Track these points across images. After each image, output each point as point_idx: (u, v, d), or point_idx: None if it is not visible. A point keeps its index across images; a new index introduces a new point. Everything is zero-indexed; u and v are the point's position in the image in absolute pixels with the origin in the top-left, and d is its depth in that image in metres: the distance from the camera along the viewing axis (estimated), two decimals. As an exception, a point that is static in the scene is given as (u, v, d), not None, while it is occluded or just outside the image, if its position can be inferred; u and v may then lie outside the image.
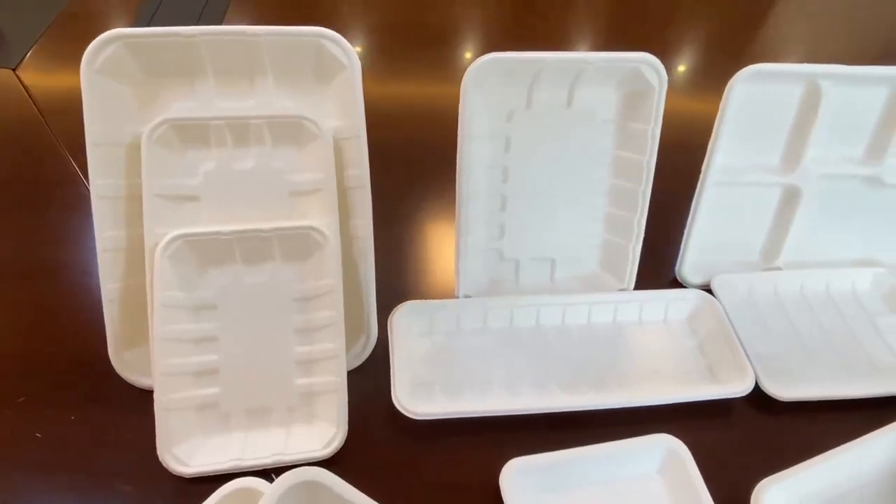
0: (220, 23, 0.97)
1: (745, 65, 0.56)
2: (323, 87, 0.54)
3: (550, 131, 0.56)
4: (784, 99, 0.58)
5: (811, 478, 0.48)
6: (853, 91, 0.58)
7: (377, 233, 0.57)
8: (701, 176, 0.59)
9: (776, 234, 0.65)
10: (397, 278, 0.63)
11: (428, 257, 0.65)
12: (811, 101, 0.57)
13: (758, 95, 0.56)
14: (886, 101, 0.58)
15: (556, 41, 1.04)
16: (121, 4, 1.06)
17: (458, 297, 0.60)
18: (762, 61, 0.56)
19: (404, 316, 0.57)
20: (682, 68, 1.01)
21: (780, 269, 0.66)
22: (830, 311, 0.64)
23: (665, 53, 1.03)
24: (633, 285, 0.62)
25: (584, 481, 0.49)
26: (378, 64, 0.96)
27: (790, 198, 0.63)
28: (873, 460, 0.49)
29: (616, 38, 1.08)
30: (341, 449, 0.51)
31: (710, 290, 0.64)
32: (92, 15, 1.03)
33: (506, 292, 0.62)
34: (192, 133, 0.52)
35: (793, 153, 0.60)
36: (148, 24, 0.97)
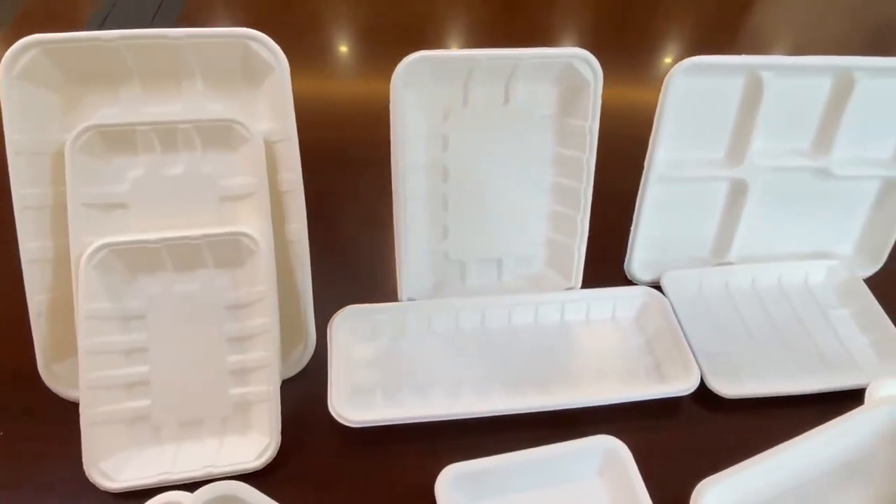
0: (172, 24, 0.95)
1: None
2: (253, 89, 0.53)
3: (489, 129, 0.55)
4: (726, 91, 0.56)
5: (752, 477, 0.47)
6: (796, 82, 0.57)
7: (316, 237, 0.56)
8: (644, 171, 0.58)
9: (726, 229, 0.64)
10: (339, 283, 0.62)
11: (370, 261, 0.64)
12: (753, 94, 0.56)
13: (698, 88, 0.55)
14: (831, 92, 0.57)
15: (496, 38, 1.03)
16: (79, 7, 1.05)
17: (401, 301, 0.59)
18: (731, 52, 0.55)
19: (345, 321, 0.56)
20: (667, 60, 1.01)
21: (731, 263, 0.65)
22: (782, 305, 0.64)
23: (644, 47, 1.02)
24: (580, 284, 0.61)
25: (521, 486, 0.48)
26: (316, 63, 0.95)
27: (737, 192, 0.62)
28: (815, 457, 0.48)
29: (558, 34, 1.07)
30: (276, 459, 0.50)
31: (660, 287, 0.63)
32: (52, 15, 1.01)
33: (453, 294, 0.61)
34: (118, 139, 0.51)
35: (738, 146, 0.59)
36: (100, 27, 0.95)
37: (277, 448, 0.49)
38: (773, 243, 0.66)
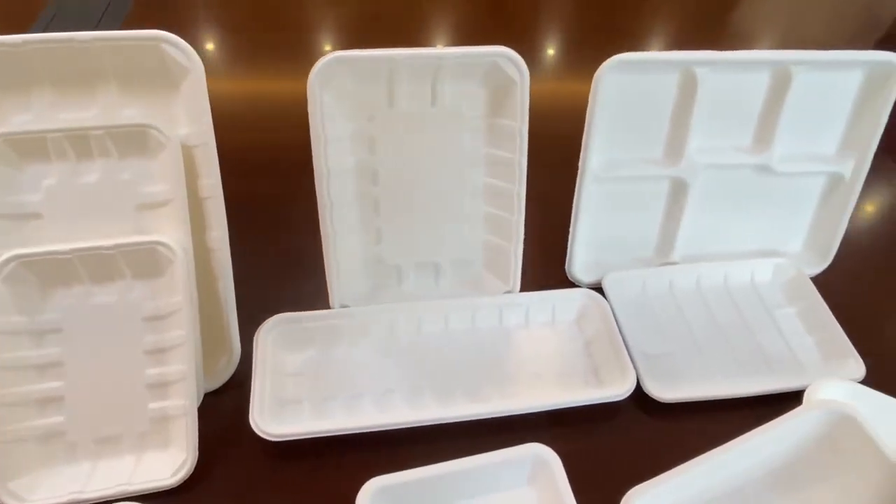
0: (118, 26, 0.93)
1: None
2: (170, 92, 0.51)
3: (417, 131, 0.54)
4: (660, 89, 0.55)
5: (682, 483, 0.46)
6: (733, 77, 0.55)
7: (242, 245, 0.54)
8: (579, 171, 0.57)
9: (668, 229, 0.63)
10: (270, 291, 0.61)
11: (302, 268, 0.62)
12: (688, 90, 0.55)
13: (631, 86, 0.54)
14: (768, 87, 0.56)
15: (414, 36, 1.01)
16: (34, 8, 1.02)
17: (333, 308, 0.57)
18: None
19: (272, 330, 0.55)
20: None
21: (676, 263, 0.64)
22: (727, 305, 0.62)
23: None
24: (518, 287, 0.60)
25: (448, 498, 0.47)
26: (244, 65, 0.93)
27: (677, 191, 0.60)
28: (748, 462, 0.47)
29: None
30: (195, 475, 0.48)
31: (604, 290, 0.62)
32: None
33: (390, 300, 0.59)
34: (30, 147, 0.49)
35: (675, 144, 0.58)
36: (45, 30, 0.93)
37: (194, 464, 0.48)
38: (719, 242, 0.65)
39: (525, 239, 0.66)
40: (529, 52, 0.97)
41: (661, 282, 0.63)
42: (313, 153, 0.51)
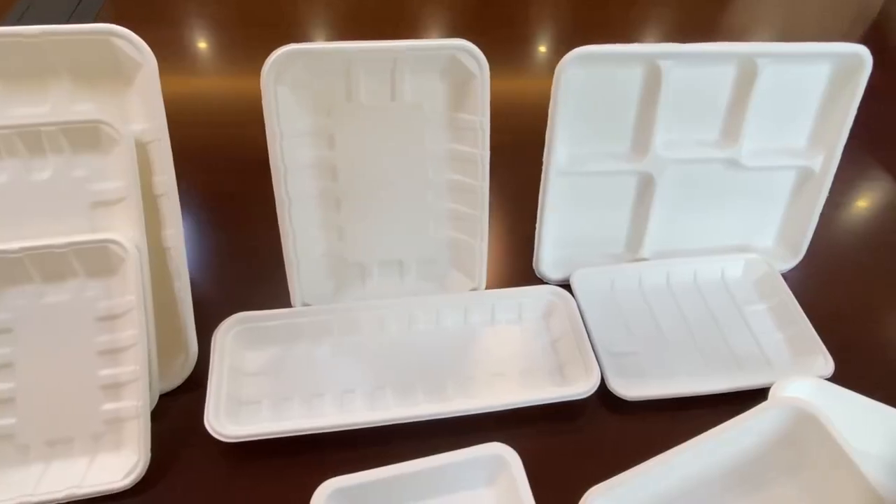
0: (91, 20, 0.92)
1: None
2: (124, 87, 0.50)
3: (378, 126, 0.53)
4: (625, 82, 0.54)
5: (642, 483, 0.45)
6: (698, 71, 0.54)
7: (203, 243, 0.53)
8: (543, 166, 0.56)
9: (637, 224, 0.62)
10: (229, 290, 0.60)
11: (263, 266, 0.61)
12: (652, 83, 0.54)
13: (594, 79, 0.53)
14: (735, 80, 0.55)
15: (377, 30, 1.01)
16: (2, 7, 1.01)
17: (294, 307, 0.56)
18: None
19: (231, 330, 0.54)
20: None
21: (645, 259, 0.63)
22: (697, 301, 0.61)
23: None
24: (483, 284, 0.59)
25: (405, 499, 0.46)
26: (211, 60, 0.92)
27: (645, 185, 0.60)
28: (708, 460, 0.46)
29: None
30: (149, 477, 0.47)
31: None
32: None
33: (354, 298, 0.58)
34: (-20, 144, 0.48)
35: (641, 139, 0.57)
36: (17, 23, 0.92)
37: (146, 466, 0.47)
38: (689, 238, 0.64)
39: (493, 235, 0.65)
40: (500, 45, 0.97)
41: (630, 278, 0.62)
42: (269, 149, 0.50)
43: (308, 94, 0.50)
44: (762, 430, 0.45)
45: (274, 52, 0.47)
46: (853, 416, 0.51)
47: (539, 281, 0.63)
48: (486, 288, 0.60)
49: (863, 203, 0.75)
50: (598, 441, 0.53)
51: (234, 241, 0.65)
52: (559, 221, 0.60)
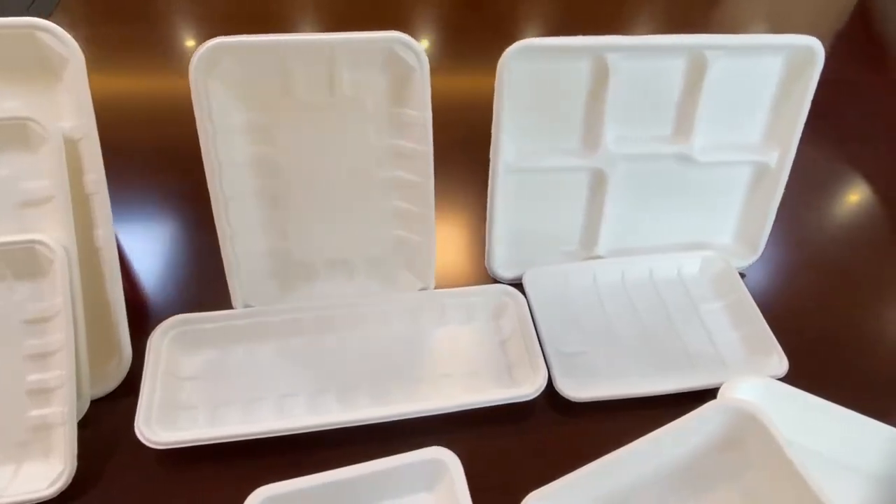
0: (51, 11, 0.90)
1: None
2: (51, 83, 0.48)
3: (318, 121, 0.51)
4: (571, 76, 0.53)
5: (582, 487, 0.44)
6: (647, 64, 0.53)
7: (141, 242, 0.52)
8: (490, 162, 0.55)
9: (591, 221, 0.61)
10: (169, 292, 0.58)
11: (205, 266, 0.60)
12: (600, 77, 0.53)
13: (540, 73, 0.52)
14: (685, 74, 0.54)
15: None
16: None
17: (235, 308, 0.55)
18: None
19: (168, 333, 0.52)
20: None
21: (600, 257, 0.62)
22: (652, 300, 0.60)
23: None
24: (432, 284, 0.58)
25: (341, 506, 0.45)
26: (149, 56, 0.89)
27: (597, 182, 0.58)
28: (653, 461, 0.45)
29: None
30: (77, 486, 0.46)
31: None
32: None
33: (301, 299, 0.57)
34: None
35: (591, 134, 0.56)
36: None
37: (73, 474, 0.45)
38: (645, 235, 0.63)
39: (445, 234, 0.64)
40: (490, 42, 0.95)
41: (584, 277, 0.61)
42: (202, 146, 0.48)
43: (241, 89, 0.49)
44: (705, 432, 0.44)
45: (201, 45, 0.45)
46: (805, 416, 0.50)
47: (492, 280, 0.62)
48: (438, 287, 0.59)
49: (827, 199, 0.74)
50: (545, 444, 0.51)
51: (176, 241, 0.64)
52: (510, 219, 0.58)
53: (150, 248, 0.62)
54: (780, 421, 0.49)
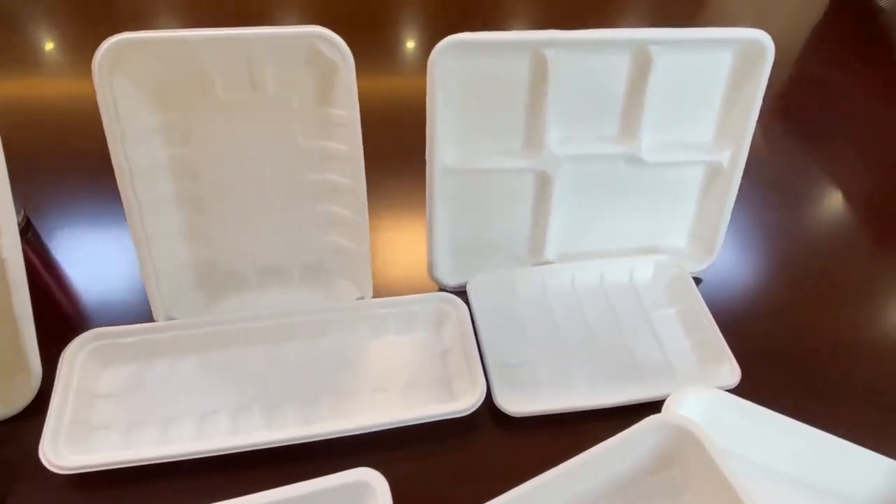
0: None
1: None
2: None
3: (240, 121, 0.48)
4: (510, 73, 0.50)
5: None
6: (589, 60, 0.50)
7: (57, 253, 0.49)
8: (427, 165, 0.52)
9: (538, 225, 0.58)
10: (89, 304, 0.55)
11: (127, 277, 0.57)
12: (539, 74, 0.50)
13: (476, 70, 0.49)
14: (630, 70, 0.51)
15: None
16: None
17: (157, 321, 0.52)
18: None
19: (84, 347, 0.49)
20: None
21: (550, 262, 0.60)
22: (602, 306, 0.58)
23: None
24: (370, 292, 0.55)
25: (258, 534, 0.42)
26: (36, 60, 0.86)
27: (542, 184, 0.56)
28: (589, 480, 0.42)
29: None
30: (-25, 515, 0.43)
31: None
32: None
33: (232, 309, 0.54)
34: None
35: (533, 135, 0.53)
36: None
37: (-32, 503, 0.42)
38: (597, 239, 0.60)
39: (387, 240, 0.61)
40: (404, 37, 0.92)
41: (531, 283, 0.58)
42: (110, 149, 0.45)
43: (153, 88, 0.46)
44: (642, 450, 0.42)
45: (105, 41, 0.42)
46: (755, 429, 0.48)
47: (439, 288, 0.59)
48: (381, 296, 0.56)
49: (788, 201, 0.72)
50: (483, 462, 0.48)
51: (94, 251, 0.60)
52: (453, 224, 0.56)
53: (65, 257, 0.58)
54: (728, 434, 0.47)
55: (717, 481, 0.38)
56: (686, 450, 0.40)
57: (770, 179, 0.74)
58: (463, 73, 0.49)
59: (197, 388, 0.50)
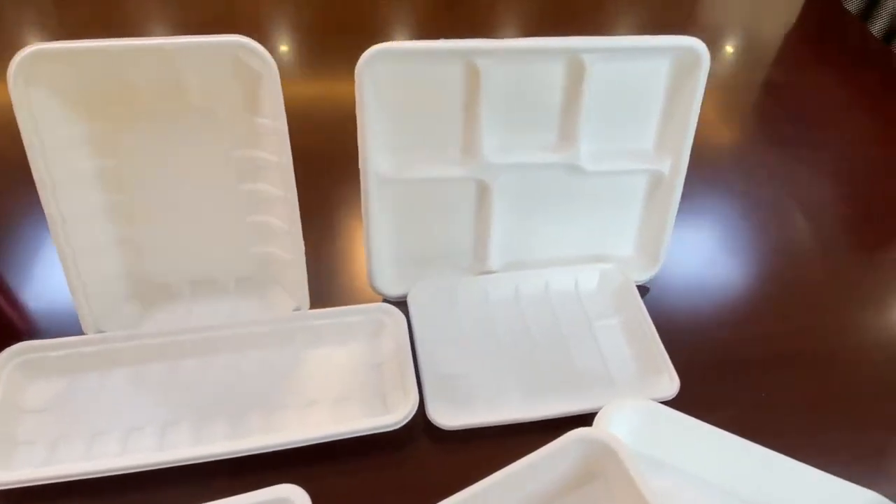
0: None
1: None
2: None
3: (169, 131, 0.48)
4: (442, 81, 0.49)
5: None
6: (522, 69, 0.50)
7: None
8: (361, 174, 0.51)
9: (480, 235, 0.57)
10: (14, 317, 0.54)
11: (52, 290, 0.56)
12: (472, 83, 0.49)
13: (407, 79, 0.48)
14: (565, 78, 0.51)
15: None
16: None
17: (87, 335, 0.51)
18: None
19: (10, 362, 0.48)
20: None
21: (494, 272, 0.59)
22: (546, 317, 0.57)
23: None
24: (307, 303, 0.54)
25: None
26: None
27: (482, 193, 0.55)
28: (512, 495, 0.42)
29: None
30: None
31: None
32: None
33: (167, 323, 0.53)
34: None
35: (470, 143, 0.52)
36: None
37: None
38: (543, 248, 0.59)
39: (330, 251, 0.60)
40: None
41: (474, 292, 0.57)
42: (30, 162, 0.44)
43: (75, 98, 0.45)
44: (566, 463, 0.41)
45: (19, 52, 0.42)
46: (689, 441, 0.47)
47: (383, 299, 0.58)
48: (321, 307, 0.56)
49: (740, 210, 0.71)
50: (413, 477, 0.48)
51: (22, 262, 0.59)
52: (392, 233, 0.55)
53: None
54: (661, 446, 0.47)
55: (636, 496, 0.38)
56: (607, 464, 0.40)
57: (722, 188, 0.74)
58: (396, 82, 0.48)
59: (126, 403, 0.49)
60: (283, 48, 0.90)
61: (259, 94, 0.47)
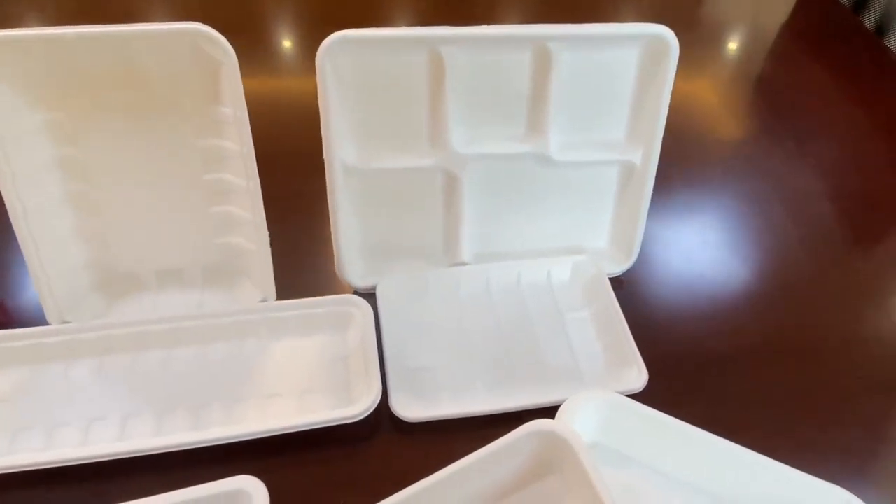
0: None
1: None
2: None
3: (129, 120, 0.47)
4: (407, 70, 0.49)
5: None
6: (488, 58, 0.49)
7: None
8: (325, 164, 0.51)
9: (450, 226, 0.57)
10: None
11: (17, 280, 0.56)
12: (436, 72, 0.49)
13: (371, 67, 0.48)
14: (532, 67, 0.50)
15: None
16: None
17: (50, 325, 0.51)
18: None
19: (-30, 351, 0.48)
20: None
21: (466, 264, 0.58)
22: (517, 309, 0.56)
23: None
24: (273, 294, 0.54)
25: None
26: None
27: (450, 183, 0.54)
28: (467, 487, 0.41)
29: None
30: None
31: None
32: None
33: (132, 313, 0.53)
34: None
35: (436, 133, 0.52)
36: None
37: None
38: (514, 240, 0.59)
39: (300, 242, 0.60)
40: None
41: (445, 284, 0.57)
42: (-11, 150, 0.44)
43: (32, 88, 0.45)
44: (522, 456, 0.40)
45: (-27, 40, 0.42)
46: (653, 435, 0.47)
47: (353, 291, 0.58)
48: (289, 298, 0.55)
49: (719, 203, 0.70)
50: (374, 469, 0.47)
51: None
52: (361, 224, 0.55)
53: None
54: (625, 439, 0.46)
55: (589, 489, 0.37)
56: (562, 456, 0.39)
57: (704, 182, 0.73)
58: (358, 71, 0.48)
59: (89, 393, 0.49)
60: (287, 43, 0.90)
61: (219, 82, 0.46)
